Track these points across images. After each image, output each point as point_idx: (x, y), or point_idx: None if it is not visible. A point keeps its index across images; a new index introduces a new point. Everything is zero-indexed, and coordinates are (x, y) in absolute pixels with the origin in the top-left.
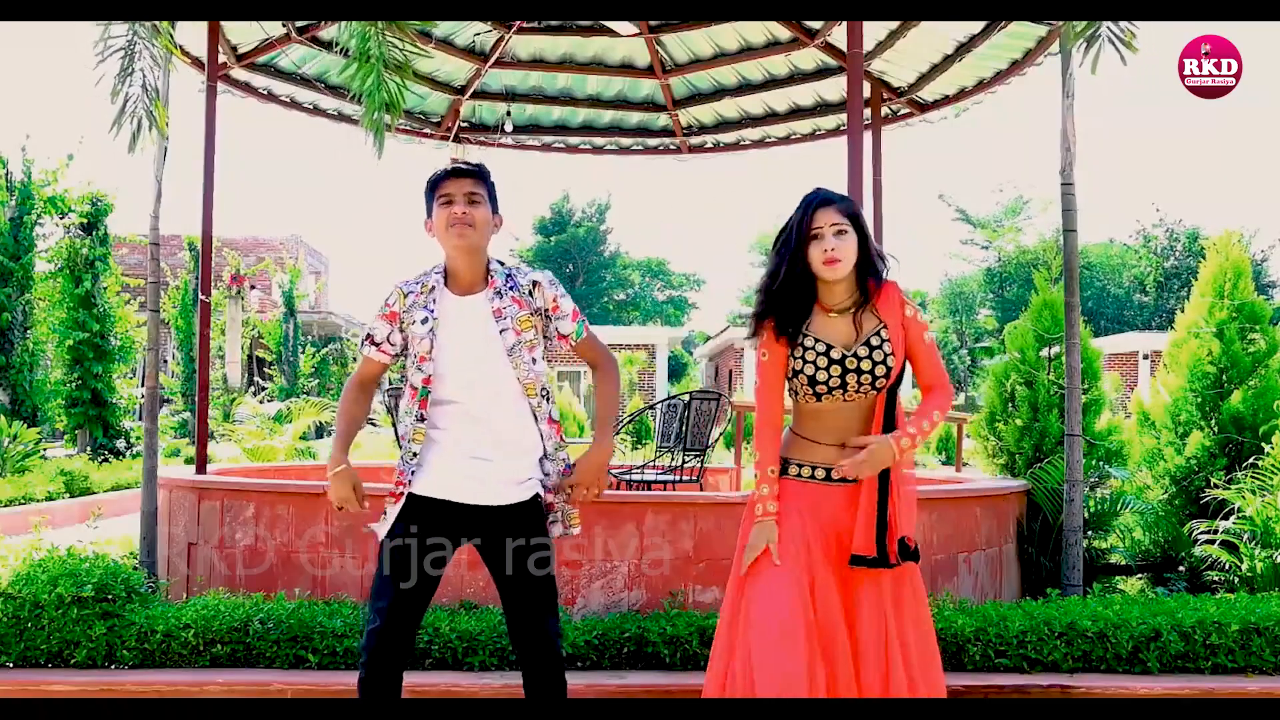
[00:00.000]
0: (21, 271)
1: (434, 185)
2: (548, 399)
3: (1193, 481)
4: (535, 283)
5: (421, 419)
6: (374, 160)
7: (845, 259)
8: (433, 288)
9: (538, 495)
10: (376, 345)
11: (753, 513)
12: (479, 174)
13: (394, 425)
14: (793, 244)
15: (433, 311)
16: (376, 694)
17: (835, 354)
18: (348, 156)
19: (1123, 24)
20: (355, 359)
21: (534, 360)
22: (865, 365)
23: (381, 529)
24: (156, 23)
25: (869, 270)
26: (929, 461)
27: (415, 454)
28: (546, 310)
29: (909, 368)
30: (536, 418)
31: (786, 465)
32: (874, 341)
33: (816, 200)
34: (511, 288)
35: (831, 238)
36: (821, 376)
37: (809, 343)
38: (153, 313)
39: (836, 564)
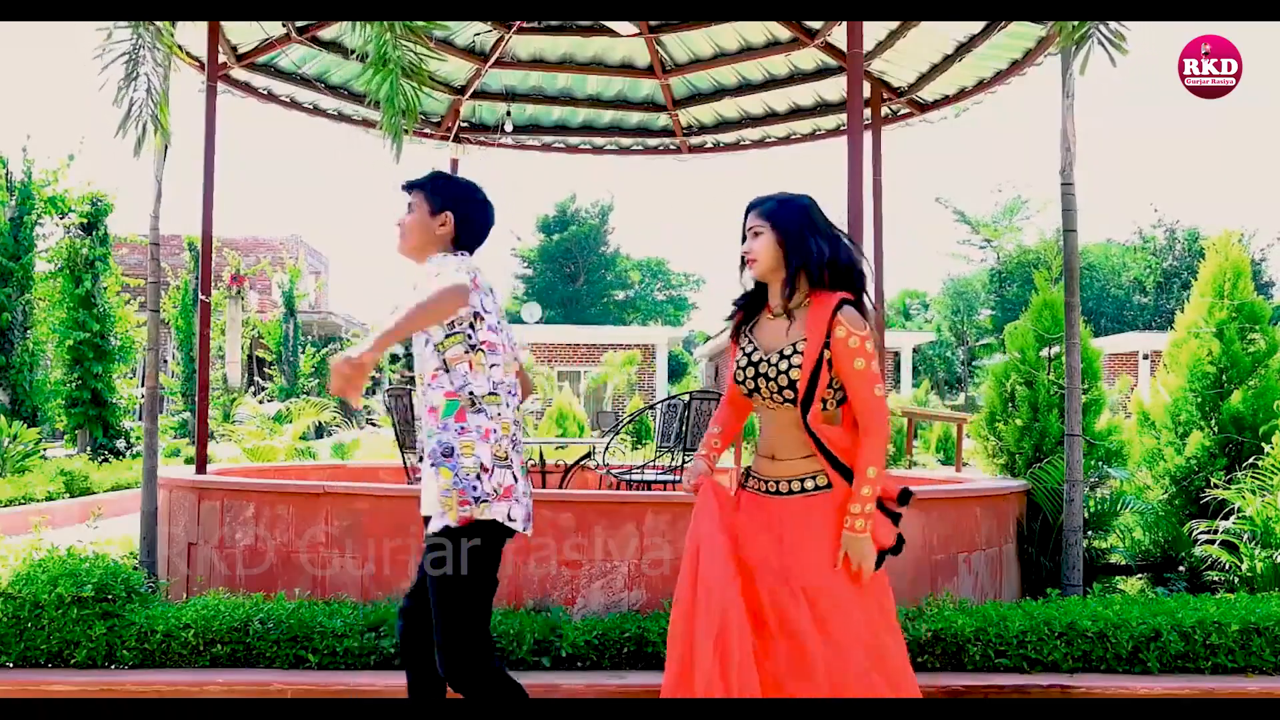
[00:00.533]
0: (21, 271)
1: None
2: (429, 385)
3: (1193, 481)
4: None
5: None
6: (390, 162)
7: (758, 259)
8: None
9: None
10: None
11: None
12: (412, 184)
13: (395, 425)
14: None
15: None
16: (414, 689)
17: (755, 356)
18: (348, 156)
19: (1113, 26)
20: None
21: (425, 342)
22: (771, 373)
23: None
24: (160, 27)
25: (797, 273)
26: (929, 461)
27: None
28: None
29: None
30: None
31: (747, 476)
32: (787, 351)
33: (747, 207)
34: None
35: (750, 239)
36: (739, 376)
37: (743, 342)
38: (153, 313)
39: (755, 568)
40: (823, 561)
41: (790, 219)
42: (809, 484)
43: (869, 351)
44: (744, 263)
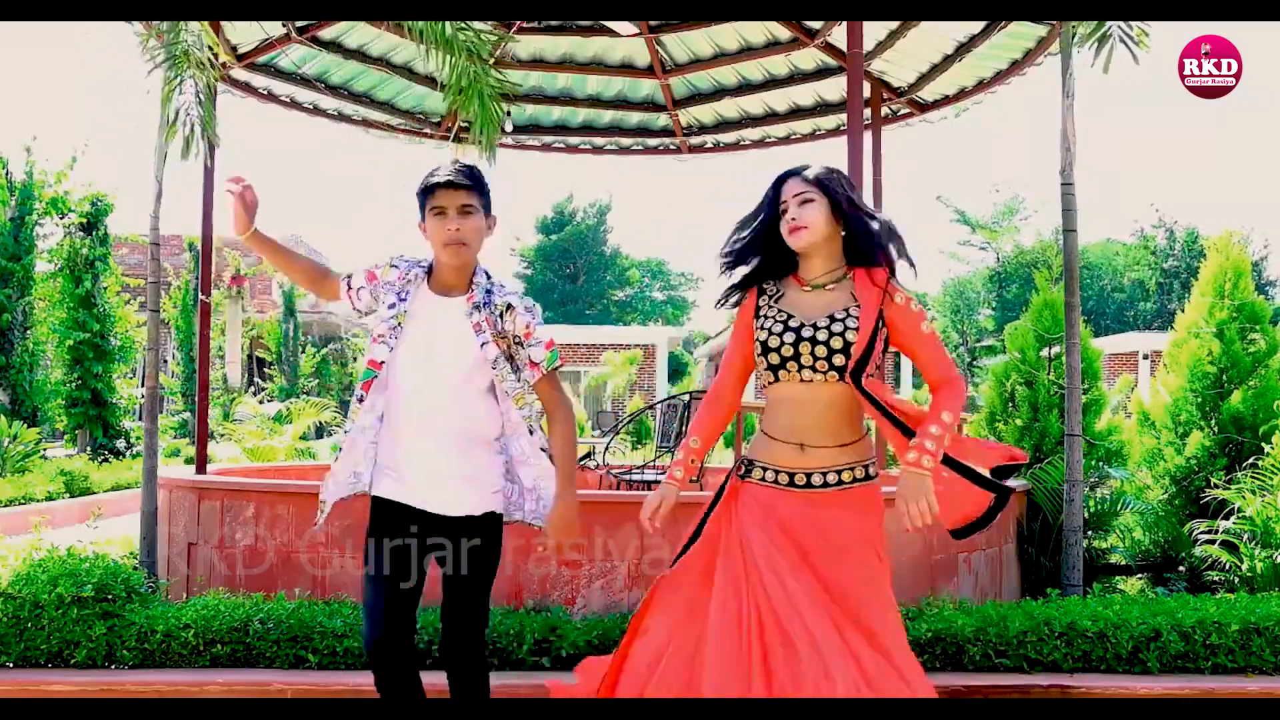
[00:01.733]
0: (22, 272)
1: (428, 190)
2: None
3: (1193, 481)
4: (510, 305)
5: (361, 400)
6: (389, 162)
7: (811, 225)
8: (414, 278)
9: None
10: (351, 289)
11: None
12: (473, 184)
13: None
14: (758, 217)
15: (404, 299)
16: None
17: (794, 322)
18: (348, 156)
19: (1133, 23)
20: (355, 358)
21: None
22: (821, 335)
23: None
24: (200, 32)
25: (857, 246)
26: None
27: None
28: (518, 336)
29: (899, 365)
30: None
31: (750, 467)
32: (838, 315)
33: (783, 175)
34: (487, 304)
35: (795, 207)
36: (774, 343)
37: (773, 312)
38: (153, 313)
39: (805, 567)
40: (868, 572)
41: (842, 189)
42: (847, 475)
43: (925, 313)
44: (756, 232)
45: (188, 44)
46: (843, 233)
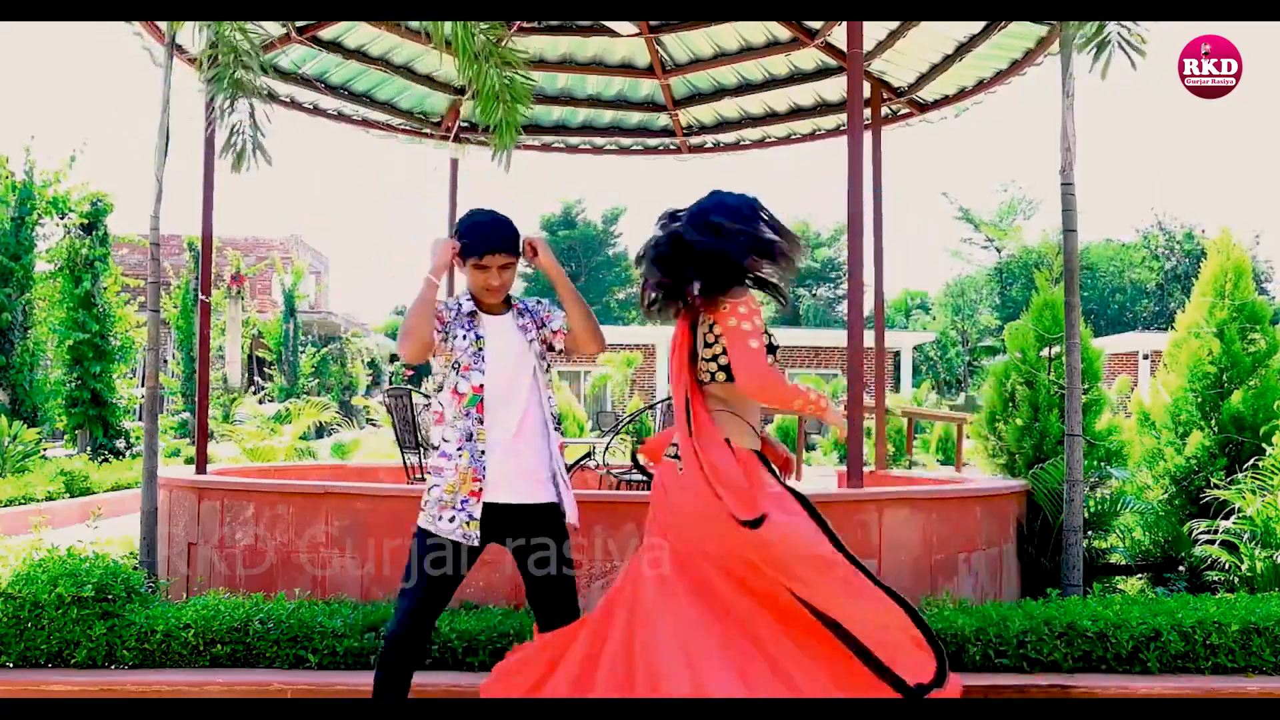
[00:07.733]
0: (22, 271)
1: (477, 247)
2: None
3: (1193, 481)
4: (539, 302)
5: (481, 421)
6: (389, 163)
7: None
8: (468, 308)
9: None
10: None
11: None
12: (515, 250)
13: (395, 425)
14: None
15: (470, 328)
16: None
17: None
18: (348, 156)
19: (1131, 28)
20: (354, 358)
21: (547, 368)
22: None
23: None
24: (254, 53)
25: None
26: (929, 461)
27: (484, 451)
28: (545, 321)
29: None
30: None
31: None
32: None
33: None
34: (526, 311)
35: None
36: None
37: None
38: (153, 313)
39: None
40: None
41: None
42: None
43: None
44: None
45: (240, 77)
46: None
